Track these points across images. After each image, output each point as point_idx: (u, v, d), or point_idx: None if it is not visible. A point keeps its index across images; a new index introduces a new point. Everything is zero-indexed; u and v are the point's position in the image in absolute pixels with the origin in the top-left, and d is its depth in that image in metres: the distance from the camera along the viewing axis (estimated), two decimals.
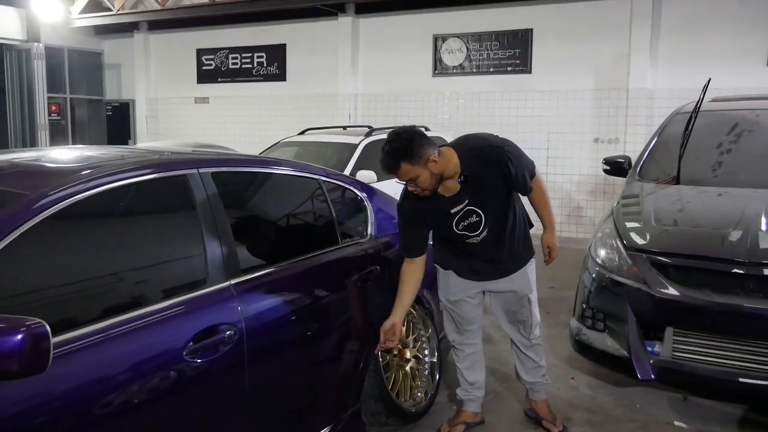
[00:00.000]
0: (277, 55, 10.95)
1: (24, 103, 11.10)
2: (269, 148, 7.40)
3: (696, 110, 4.31)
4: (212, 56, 11.55)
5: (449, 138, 5.86)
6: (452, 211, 2.99)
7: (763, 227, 3.38)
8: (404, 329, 3.26)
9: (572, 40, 8.68)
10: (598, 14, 8.49)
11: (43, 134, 11.08)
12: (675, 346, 3.29)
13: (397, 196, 3.17)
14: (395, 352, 3.28)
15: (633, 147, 7.74)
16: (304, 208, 3.23)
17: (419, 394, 3.42)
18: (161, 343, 2.07)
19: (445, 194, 2.98)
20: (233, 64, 11.37)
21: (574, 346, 3.74)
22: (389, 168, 2.80)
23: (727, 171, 4.19)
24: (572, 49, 8.68)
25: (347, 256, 3.07)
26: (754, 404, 3.52)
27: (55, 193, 1.98)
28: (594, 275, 3.65)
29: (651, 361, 3.31)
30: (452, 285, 3.23)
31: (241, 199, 2.89)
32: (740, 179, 4.05)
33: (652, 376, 3.30)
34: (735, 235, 3.34)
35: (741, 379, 3.12)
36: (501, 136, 3.06)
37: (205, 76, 11.67)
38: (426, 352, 3.50)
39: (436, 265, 3.29)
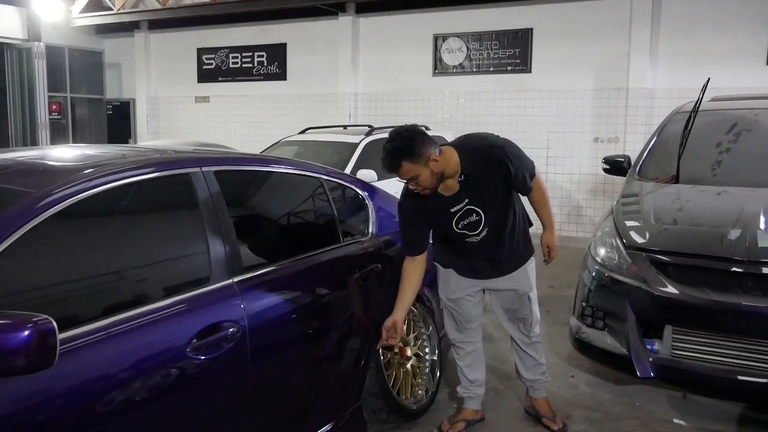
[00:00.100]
0: (277, 54, 10.96)
1: (25, 103, 11.11)
2: (270, 147, 7.40)
3: (695, 110, 4.32)
4: (213, 55, 11.56)
5: (449, 137, 5.89)
6: (452, 210, 3.01)
7: (762, 226, 3.39)
8: (405, 327, 3.27)
9: (572, 39, 8.68)
10: (598, 14, 8.50)
11: (43, 133, 11.10)
12: (674, 344, 3.30)
13: (398, 195, 3.19)
14: (396, 350, 3.30)
15: (633, 146, 7.75)
16: (306, 206, 3.24)
17: (420, 391, 3.44)
18: (165, 340, 2.08)
19: (446, 193, 2.99)
20: (234, 63, 11.38)
21: (574, 344, 3.76)
22: (390, 167, 2.81)
23: (726, 170, 4.21)
24: (572, 49, 8.68)
25: (349, 255, 3.09)
26: (753, 402, 3.53)
27: (59, 191, 1.99)
28: (594, 274, 3.66)
29: (650, 359, 3.32)
30: (452, 283, 3.25)
31: (244, 198, 2.90)
32: (739, 178, 4.07)
33: (652, 374, 3.31)
34: (734, 234, 3.36)
35: (740, 377, 3.14)
36: (501, 135, 3.08)
37: (205, 76, 11.68)
38: (427, 350, 3.52)
39: (436, 263, 3.30)
